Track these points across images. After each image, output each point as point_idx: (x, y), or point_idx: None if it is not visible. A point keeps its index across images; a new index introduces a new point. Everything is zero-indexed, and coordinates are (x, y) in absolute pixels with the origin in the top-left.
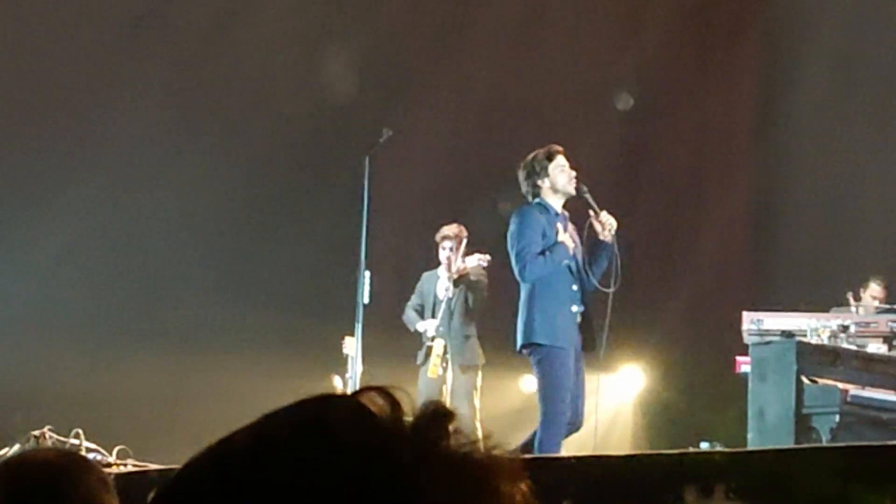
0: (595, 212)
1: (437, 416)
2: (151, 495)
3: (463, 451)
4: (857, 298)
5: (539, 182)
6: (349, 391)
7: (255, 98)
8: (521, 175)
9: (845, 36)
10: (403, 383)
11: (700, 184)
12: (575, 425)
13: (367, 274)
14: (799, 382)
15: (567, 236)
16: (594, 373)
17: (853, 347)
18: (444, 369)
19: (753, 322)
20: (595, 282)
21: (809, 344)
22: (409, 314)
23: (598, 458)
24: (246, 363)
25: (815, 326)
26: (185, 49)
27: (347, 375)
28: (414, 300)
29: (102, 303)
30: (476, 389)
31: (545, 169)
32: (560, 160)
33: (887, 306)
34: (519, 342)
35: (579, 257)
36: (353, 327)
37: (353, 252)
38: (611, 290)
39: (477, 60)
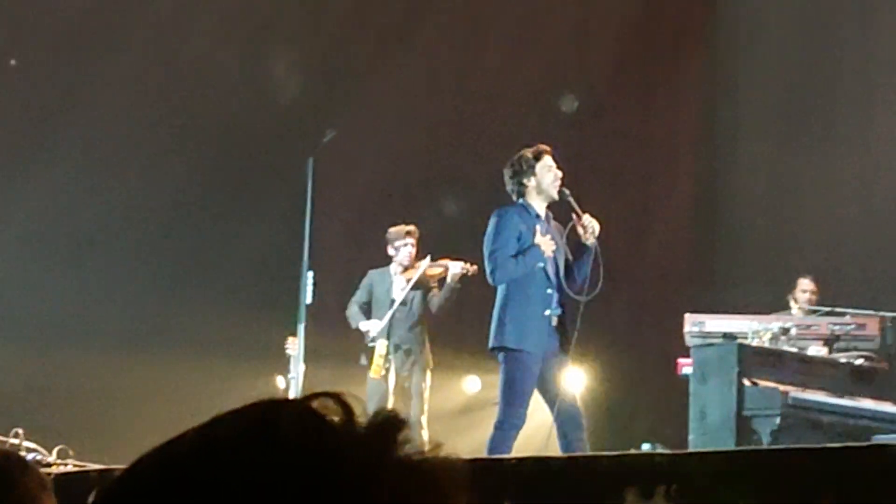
0: (577, 215)
1: (389, 422)
2: (92, 496)
3: (414, 458)
4: (796, 300)
5: (525, 181)
6: (291, 392)
7: (198, 98)
8: (507, 174)
9: (789, 40)
10: (348, 384)
11: (643, 186)
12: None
13: (311, 274)
14: (740, 385)
15: (546, 239)
16: None
17: (794, 350)
18: (387, 370)
19: (695, 324)
20: (574, 286)
21: (751, 346)
22: (353, 310)
23: (538, 459)
24: (189, 362)
25: (756, 329)
26: (129, 49)
27: (290, 376)
28: (359, 296)
29: (43, 301)
30: (426, 389)
31: (532, 168)
32: (547, 160)
33: (827, 308)
34: (490, 344)
35: (560, 260)
36: (297, 327)
37: (296, 252)
38: (582, 298)
39: (422, 62)
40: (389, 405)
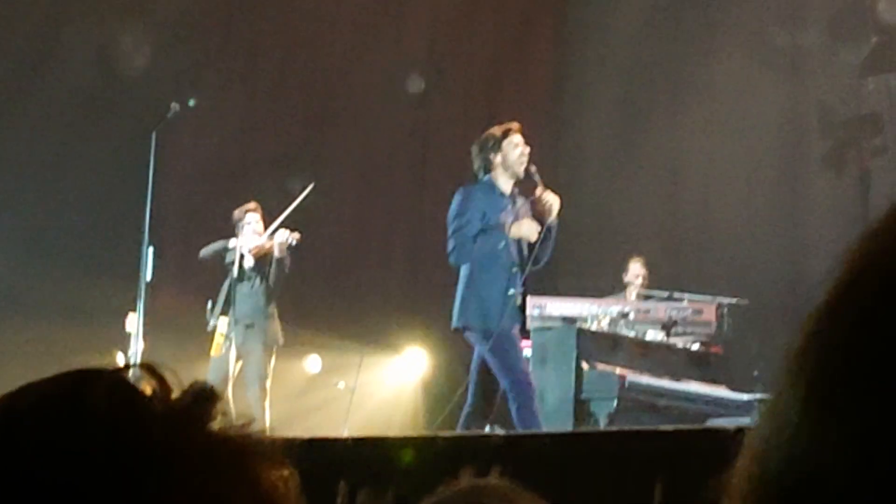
0: (538, 191)
1: (202, 396)
2: None
3: (224, 434)
4: (627, 284)
5: (491, 157)
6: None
7: (42, 69)
8: (474, 150)
9: (635, 31)
10: (189, 362)
11: None
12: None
13: (151, 250)
14: (578, 368)
15: (526, 222)
16: (381, 354)
17: (632, 334)
18: (227, 348)
19: (535, 307)
20: (535, 264)
21: (589, 330)
22: (210, 245)
23: (375, 439)
24: (27, 334)
25: (595, 313)
26: None
27: (130, 353)
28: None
29: None
30: (269, 370)
31: (499, 144)
32: (515, 138)
33: (665, 293)
34: (453, 322)
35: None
36: (137, 304)
37: (138, 228)
38: (527, 269)
39: (268, 39)
40: (230, 383)
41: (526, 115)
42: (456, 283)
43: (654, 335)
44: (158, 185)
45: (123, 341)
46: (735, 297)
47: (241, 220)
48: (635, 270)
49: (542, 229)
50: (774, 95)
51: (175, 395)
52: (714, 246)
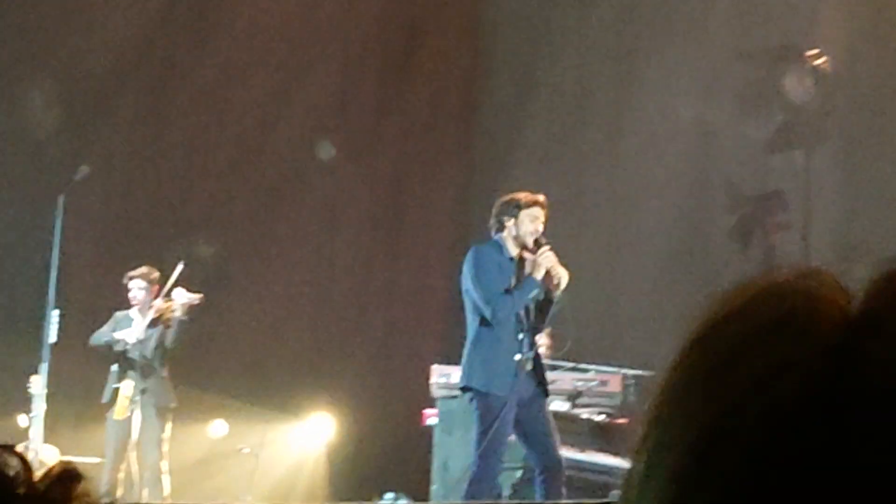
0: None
1: (64, 478)
2: None
3: None
4: None
5: (504, 220)
6: (33, 431)
7: None
8: (495, 207)
9: (546, 107)
10: (91, 424)
11: (396, 233)
12: (550, 469)
13: (56, 312)
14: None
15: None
16: (286, 419)
17: None
18: (132, 411)
19: (442, 376)
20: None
21: None
22: (97, 333)
23: None
24: None
25: None
26: None
27: (32, 415)
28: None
29: None
30: (166, 433)
31: (518, 211)
32: (534, 211)
33: (571, 364)
34: (459, 383)
35: (531, 303)
36: (40, 366)
37: (44, 290)
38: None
39: (178, 103)
40: (131, 447)
41: (436, 183)
42: (359, 353)
43: (560, 406)
44: (64, 247)
45: (26, 403)
46: (641, 368)
47: (130, 283)
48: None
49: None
50: (682, 167)
51: (35, 475)
52: (620, 317)
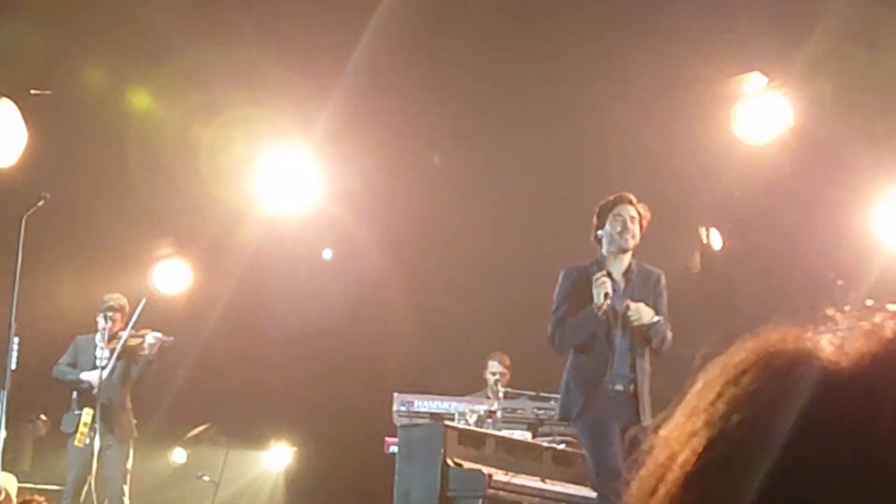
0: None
1: None
2: None
3: None
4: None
5: (598, 231)
6: None
7: None
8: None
9: None
10: (53, 450)
11: (360, 261)
12: None
13: (17, 340)
14: (445, 466)
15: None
16: (246, 447)
17: (499, 433)
18: (92, 438)
19: (403, 404)
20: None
21: (456, 428)
22: (62, 368)
23: None
24: None
25: (462, 410)
26: None
27: None
28: (66, 359)
29: None
30: (129, 463)
31: (606, 214)
32: (623, 209)
33: (531, 392)
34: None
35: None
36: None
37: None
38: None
39: (139, 127)
40: (92, 474)
41: (374, 208)
42: (321, 381)
43: (521, 434)
44: (24, 273)
45: None
46: None
47: (102, 312)
48: (493, 368)
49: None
50: None
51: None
52: None
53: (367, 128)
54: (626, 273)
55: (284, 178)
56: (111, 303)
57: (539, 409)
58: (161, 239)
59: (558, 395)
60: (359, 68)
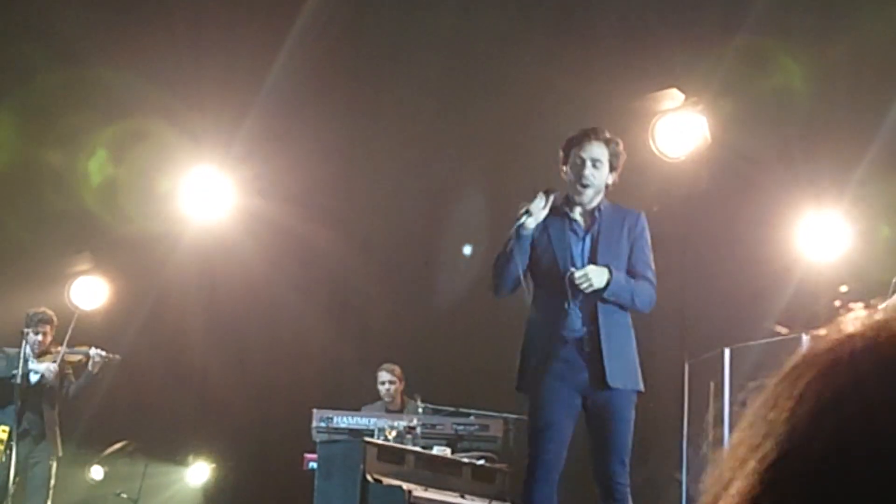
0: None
1: None
2: None
3: None
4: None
5: (564, 167)
6: None
7: None
8: None
9: None
10: None
11: (278, 278)
12: None
13: None
14: (364, 482)
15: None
16: (165, 463)
17: (418, 448)
18: (8, 456)
19: (322, 419)
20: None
21: (376, 444)
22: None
23: None
24: None
25: (382, 426)
26: None
27: None
28: None
29: None
30: (52, 481)
31: (569, 152)
32: (587, 149)
33: (451, 408)
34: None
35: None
36: None
37: None
38: None
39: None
40: (10, 492)
41: (319, 217)
42: (240, 398)
43: (441, 450)
44: None
45: None
46: (523, 413)
47: (30, 326)
48: (382, 378)
49: None
50: None
51: None
52: (502, 362)
53: (283, 144)
54: (592, 213)
55: (201, 195)
56: (41, 316)
57: (458, 424)
58: (78, 255)
59: (477, 411)
60: (273, 89)
